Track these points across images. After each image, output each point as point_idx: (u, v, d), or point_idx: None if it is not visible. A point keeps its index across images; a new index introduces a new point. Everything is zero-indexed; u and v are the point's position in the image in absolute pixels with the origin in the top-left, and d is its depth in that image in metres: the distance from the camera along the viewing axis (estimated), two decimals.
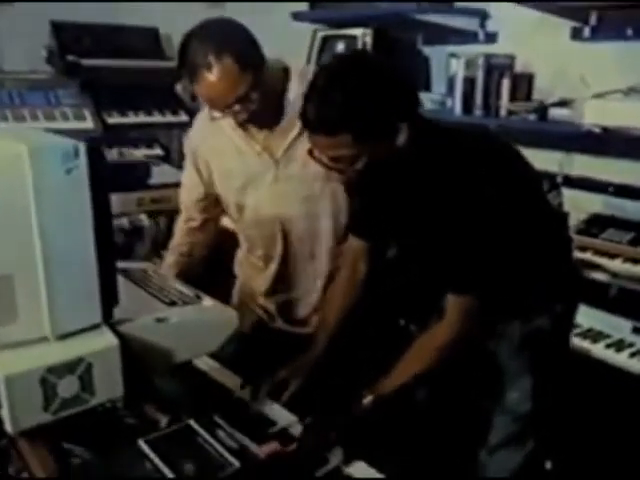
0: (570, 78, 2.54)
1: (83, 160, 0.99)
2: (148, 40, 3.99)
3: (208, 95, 1.54)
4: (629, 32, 2.39)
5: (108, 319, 1.10)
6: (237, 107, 1.54)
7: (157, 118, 3.83)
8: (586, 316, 2.06)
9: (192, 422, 1.25)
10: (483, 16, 2.91)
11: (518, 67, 2.64)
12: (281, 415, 1.41)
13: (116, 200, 2.07)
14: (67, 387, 1.02)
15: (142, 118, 3.80)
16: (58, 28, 3.72)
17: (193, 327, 1.25)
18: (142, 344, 1.16)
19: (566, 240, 1.62)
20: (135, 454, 1.10)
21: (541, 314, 1.53)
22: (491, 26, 2.90)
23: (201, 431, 1.22)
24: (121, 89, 3.79)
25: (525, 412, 1.56)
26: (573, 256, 1.64)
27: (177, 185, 2.00)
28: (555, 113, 2.33)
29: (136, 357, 1.15)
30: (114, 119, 3.68)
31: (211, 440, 1.19)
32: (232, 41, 1.51)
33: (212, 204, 1.91)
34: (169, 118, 3.86)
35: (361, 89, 1.21)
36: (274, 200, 1.71)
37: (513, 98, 2.49)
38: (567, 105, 2.29)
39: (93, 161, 1.00)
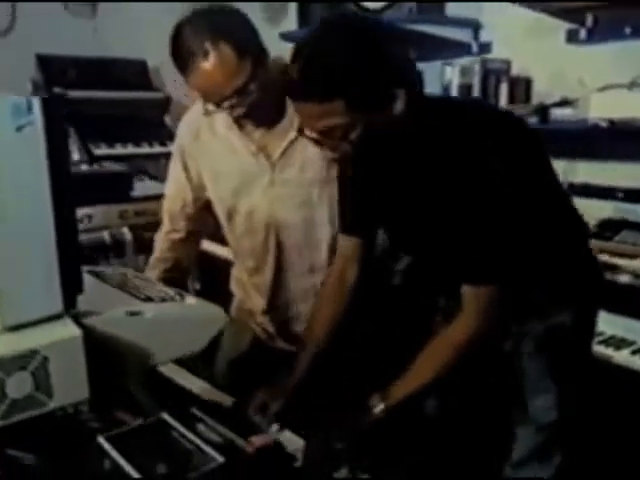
0: (568, 81, 2.47)
1: (38, 116, 0.86)
2: (136, 72, 3.92)
3: (203, 85, 1.41)
4: (627, 31, 2.32)
5: (70, 307, 0.94)
6: (234, 100, 1.41)
7: (145, 149, 3.72)
8: (608, 323, 1.90)
9: (166, 416, 1.06)
10: (476, 27, 2.85)
11: (515, 72, 2.55)
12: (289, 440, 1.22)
13: (96, 213, 1.93)
14: (17, 386, 0.86)
15: (130, 149, 3.69)
16: (44, 61, 3.65)
17: (172, 323, 1.09)
18: (112, 340, 1.01)
19: (583, 228, 1.47)
20: (92, 453, 0.92)
21: (561, 310, 1.38)
22: (485, 35, 2.84)
23: (176, 425, 1.03)
24: (108, 120, 3.69)
25: (550, 421, 1.39)
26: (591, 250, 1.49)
27: (162, 197, 1.86)
28: (557, 113, 2.23)
29: (105, 355, 0.99)
30: (101, 150, 3.56)
31: (189, 434, 1.01)
32: (230, 27, 1.39)
33: (199, 213, 1.77)
34: (157, 149, 3.75)
35: (352, 51, 1.09)
36: (268, 205, 1.58)
37: (512, 102, 2.39)
38: (569, 104, 2.19)
39: (50, 118, 0.87)
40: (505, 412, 1.45)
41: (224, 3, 1.49)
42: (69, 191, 0.91)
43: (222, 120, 1.57)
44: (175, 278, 1.77)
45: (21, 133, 0.85)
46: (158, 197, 1.92)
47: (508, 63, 2.52)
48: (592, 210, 2.41)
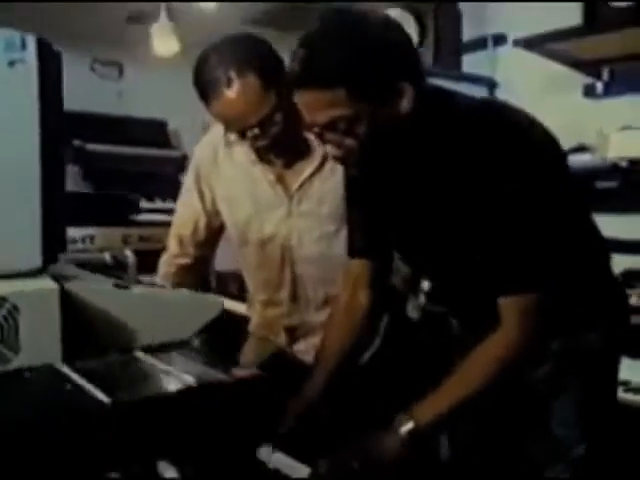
0: (586, 133, 2.44)
1: (32, 54, 0.82)
2: (155, 131, 4.01)
3: (226, 114, 1.36)
4: None
5: (51, 263, 0.87)
6: (257, 130, 1.36)
7: (158, 205, 3.73)
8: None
9: (140, 353, 0.95)
10: (491, 85, 2.87)
11: None
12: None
13: (97, 234, 1.87)
14: None
15: (144, 204, 3.71)
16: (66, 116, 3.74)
17: (161, 304, 1.00)
18: (94, 310, 0.92)
19: (603, 246, 1.39)
20: (53, 377, 0.80)
21: (588, 329, 1.26)
22: (499, 93, 2.86)
23: (150, 358, 0.93)
24: (126, 175, 3.74)
25: (580, 454, 1.24)
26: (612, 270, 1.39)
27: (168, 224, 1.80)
28: (575, 160, 2.17)
29: (86, 326, 0.91)
30: None
31: (162, 365, 0.90)
32: (256, 56, 1.35)
33: (210, 240, 1.70)
34: (170, 205, 3.76)
35: (355, 38, 1.05)
36: (285, 237, 1.51)
37: None
38: (586, 150, 2.15)
39: (45, 57, 0.83)
40: (530, 446, 1.31)
41: (250, 33, 1.48)
42: (59, 138, 0.86)
43: (242, 151, 1.52)
44: None
45: (13, 69, 0.81)
46: (166, 224, 1.87)
47: None
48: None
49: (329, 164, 1.45)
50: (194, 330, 1.04)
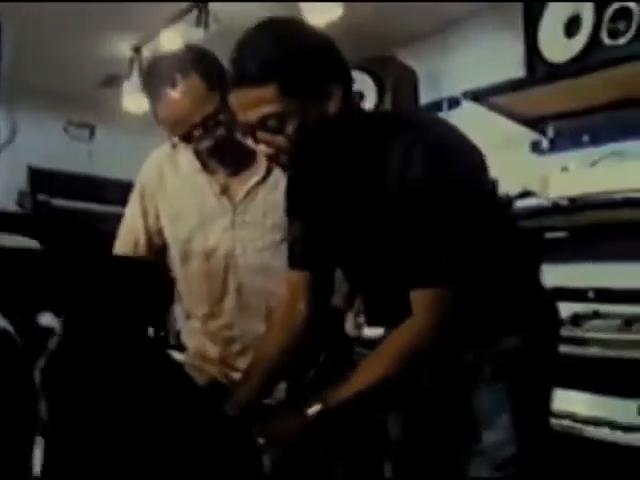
0: (533, 185, 2.54)
1: None
2: (125, 190, 4.04)
3: (171, 114, 1.41)
4: (585, 139, 2.44)
5: None
6: (200, 130, 1.41)
7: None
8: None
9: None
10: None
11: None
12: None
13: None
14: None
15: None
16: (34, 172, 3.79)
17: None
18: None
19: (530, 257, 1.42)
20: None
21: (510, 334, 1.27)
22: None
23: None
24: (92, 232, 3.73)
25: (506, 457, 1.23)
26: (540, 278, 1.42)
27: None
28: (520, 204, 2.25)
29: None
30: None
31: None
32: (199, 60, 1.43)
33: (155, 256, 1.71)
34: None
35: (285, 37, 1.12)
36: (228, 248, 1.52)
37: None
38: (531, 195, 2.23)
39: None
40: (457, 451, 1.29)
41: (195, 45, 1.57)
42: None
43: (187, 160, 1.56)
44: None
45: None
46: None
47: None
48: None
49: (274, 175, 1.48)
50: None
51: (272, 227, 1.50)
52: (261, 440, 1.05)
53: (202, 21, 2.72)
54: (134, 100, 3.09)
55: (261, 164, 1.49)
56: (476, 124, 2.75)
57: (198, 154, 1.54)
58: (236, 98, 1.12)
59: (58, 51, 3.56)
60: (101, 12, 3.14)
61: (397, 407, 1.39)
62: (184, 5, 2.80)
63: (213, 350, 1.61)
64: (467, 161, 1.19)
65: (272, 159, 1.20)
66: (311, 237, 1.33)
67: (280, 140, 1.13)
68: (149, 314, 0.94)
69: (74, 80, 3.74)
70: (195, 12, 2.77)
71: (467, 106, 2.87)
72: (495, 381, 1.25)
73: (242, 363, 1.53)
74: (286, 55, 1.09)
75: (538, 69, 2.21)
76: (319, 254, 1.34)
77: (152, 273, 0.93)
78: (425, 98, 3.09)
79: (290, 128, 1.11)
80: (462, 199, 1.13)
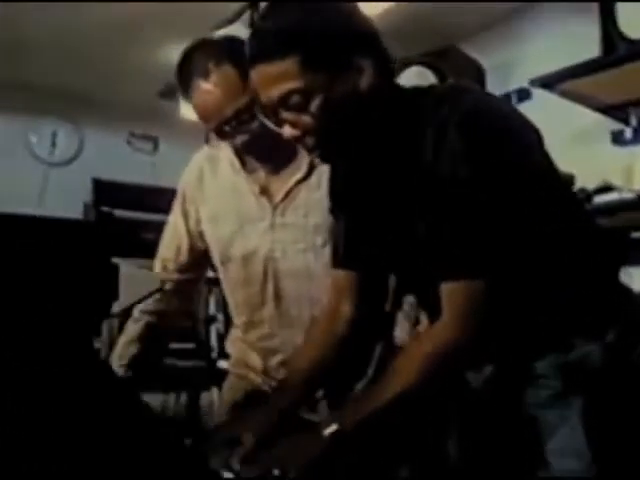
0: (615, 180, 2.29)
1: None
2: None
3: (203, 105, 1.32)
4: None
5: None
6: (235, 123, 1.32)
7: None
8: None
9: None
10: None
11: None
12: None
13: None
14: None
15: None
16: (98, 184, 3.84)
17: None
18: None
19: (609, 255, 1.21)
20: None
21: (586, 340, 1.08)
22: None
23: None
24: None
25: None
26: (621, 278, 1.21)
27: None
28: (600, 200, 2.02)
29: None
30: None
31: None
32: (233, 50, 1.33)
33: (194, 264, 1.61)
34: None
35: (308, 9, 1.02)
36: (267, 251, 1.41)
37: None
38: (612, 190, 1.99)
39: None
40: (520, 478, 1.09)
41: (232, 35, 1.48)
42: None
43: (227, 160, 1.48)
44: (159, 335, 1.58)
45: None
46: None
47: None
48: None
49: (317, 173, 1.39)
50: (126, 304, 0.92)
51: (315, 228, 1.39)
52: (274, 465, 0.93)
53: (255, 22, 2.66)
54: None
55: (303, 161, 1.38)
56: (549, 116, 2.56)
57: (237, 152, 1.45)
58: (256, 75, 1.03)
59: (119, 64, 3.60)
60: (158, 22, 3.16)
61: (453, 425, 1.22)
62: (237, 7, 2.75)
63: (255, 360, 1.50)
64: (509, 127, 1.02)
65: (298, 141, 1.08)
66: (353, 233, 1.21)
67: (306, 119, 1.02)
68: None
69: (135, 92, 3.77)
70: (247, 14, 2.73)
71: (539, 98, 2.67)
72: (565, 396, 1.06)
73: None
74: (307, 26, 1.00)
75: (618, 49, 1.97)
76: (363, 251, 1.21)
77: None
78: (493, 91, 2.88)
79: (315, 105, 1.00)
80: (503, 175, 0.97)
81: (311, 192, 1.39)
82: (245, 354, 1.54)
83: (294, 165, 1.41)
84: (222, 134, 1.35)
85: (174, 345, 2.76)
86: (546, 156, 1.11)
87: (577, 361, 1.05)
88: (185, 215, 1.55)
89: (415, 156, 1.02)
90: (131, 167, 3.96)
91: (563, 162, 2.59)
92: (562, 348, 1.06)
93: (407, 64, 2.88)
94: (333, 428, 0.96)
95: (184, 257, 1.56)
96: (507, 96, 2.82)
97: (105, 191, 3.78)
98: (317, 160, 1.28)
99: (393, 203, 1.11)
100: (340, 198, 1.23)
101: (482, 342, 1.02)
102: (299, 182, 1.40)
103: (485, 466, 1.18)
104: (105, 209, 3.63)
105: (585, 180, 2.41)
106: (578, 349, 1.05)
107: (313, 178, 1.40)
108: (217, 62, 1.31)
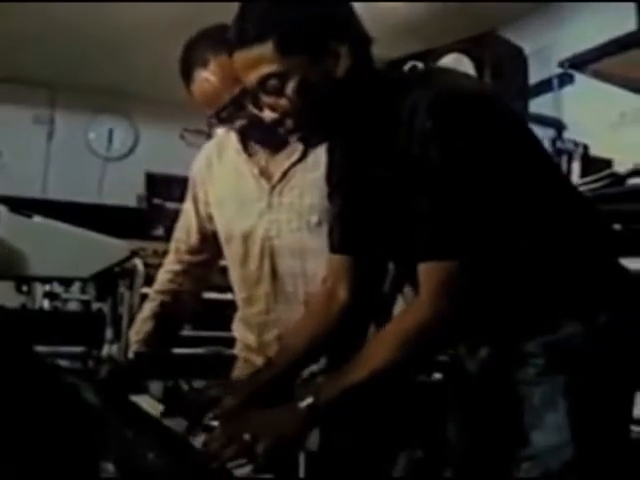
0: None
1: None
2: None
3: (203, 92, 1.40)
4: None
5: None
6: (233, 109, 1.38)
7: None
8: None
9: None
10: (559, 126, 2.70)
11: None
12: None
13: None
14: None
15: None
16: (150, 178, 3.98)
17: (59, 235, 0.96)
18: None
19: (604, 235, 1.17)
20: None
21: (571, 320, 1.05)
22: (569, 135, 2.67)
23: None
24: None
25: (561, 464, 1.00)
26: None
27: None
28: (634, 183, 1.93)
29: None
30: None
31: None
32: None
33: (204, 246, 1.67)
34: None
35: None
36: (264, 230, 1.48)
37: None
38: None
39: None
40: (506, 455, 1.08)
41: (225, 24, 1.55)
42: None
43: (232, 145, 1.55)
44: (174, 314, 1.65)
45: None
46: None
47: (585, 147, 2.31)
48: None
49: (314, 155, 1.43)
50: (92, 271, 0.97)
51: (309, 208, 1.43)
52: (248, 435, 0.94)
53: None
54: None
55: (298, 145, 1.42)
56: (591, 102, 2.49)
57: (240, 137, 1.51)
58: (237, 61, 1.07)
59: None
60: (205, 24, 3.24)
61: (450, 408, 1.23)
62: None
63: (252, 338, 1.55)
64: (480, 108, 1.02)
65: (279, 124, 1.11)
66: (348, 217, 1.23)
67: (283, 102, 1.05)
68: None
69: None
70: None
71: (581, 83, 2.58)
72: (549, 374, 1.04)
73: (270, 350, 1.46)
74: (283, 10, 1.04)
75: None
76: (358, 236, 1.22)
77: None
78: (535, 77, 2.81)
79: (291, 87, 1.03)
80: (474, 155, 0.97)
81: (306, 173, 1.44)
82: (244, 335, 1.59)
83: (291, 147, 1.46)
84: (222, 119, 1.42)
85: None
86: (527, 137, 1.10)
87: (562, 341, 1.04)
88: (195, 199, 1.63)
89: (391, 139, 1.04)
90: (185, 161, 4.07)
91: (605, 147, 2.53)
92: (550, 328, 1.05)
93: (446, 51, 2.86)
94: (308, 401, 0.97)
95: (193, 238, 1.63)
96: (548, 81, 2.74)
97: (157, 184, 3.92)
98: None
99: (377, 186, 1.12)
100: (335, 183, 1.26)
101: (472, 323, 1.03)
102: (295, 163, 1.45)
103: (482, 446, 1.18)
104: (157, 201, 3.76)
105: (626, 165, 2.32)
106: (564, 329, 1.04)
107: (309, 159, 1.45)
108: (215, 52, 1.38)
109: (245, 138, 1.50)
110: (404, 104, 1.01)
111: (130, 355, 1.55)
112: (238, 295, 1.58)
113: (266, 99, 1.06)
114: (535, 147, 1.12)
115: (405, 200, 1.04)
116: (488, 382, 1.14)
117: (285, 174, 1.46)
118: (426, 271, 1.00)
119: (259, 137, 1.46)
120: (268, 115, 1.08)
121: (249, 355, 1.57)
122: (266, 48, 1.01)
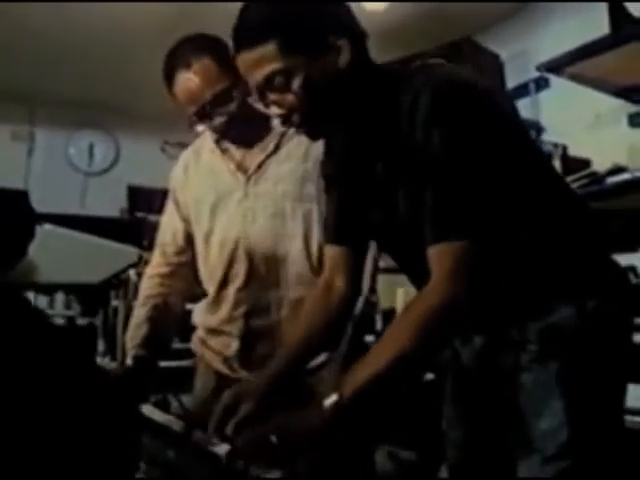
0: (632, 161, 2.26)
1: None
2: None
3: (183, 91, 1.46)
4: None
5: None
6: (213, 107, 1.45)
7: None
8: None
9: None
10: (537, 129, 2.77)
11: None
12: None
13: None
14: None
15: None
16: (132, 191, 3.98)
17: (73, 243, 0.97)
18: None
19: (590, 222, 1.21)
20: None
21: (563, 306, 1.09)
22: (547, 137, 2.74)
23: None
24: None
25: (558, 447, 1.04)
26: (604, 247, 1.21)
27: None
28: (613, 181, 2.00)
29: None
30: None
31: None
32: (212, 44, 1.51)
33: (190, 246, 1.71)
34: None
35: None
36: (241, 219, 1.55)
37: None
38: (623, 171, 1.97)
39: None
40: (503, 442, 1.11)
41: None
42: None
43: (208, 148, 1.62)
44: (168, 317, 1.66)
45: None
46: None
47: (563, 147, 2.38)
48: None
49: (286, 148, 1.53)
50: (103, 276, 0.99)
51: (283, 195, 1.52)
52: (274, 439, 0.95)
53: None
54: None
55: (271, 140, 1.54)
56: (567, 104, 2.57)
57: (215, 135, 1.57)
58: (241, 62, 1.11)
59: (151, 75, 3.71)
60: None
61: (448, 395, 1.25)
62: None
63: (214, 319, 1.60)
64: (480, 94, 1.06)
65: (285, 120, 1.14)
66: (345, 210, 1.26)
67: (289, 98, 1.09)
68: None
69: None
70: None
71: (557, 86, 2.65)
72: (543, 360, 1.07)
73: (237, 327, 1.55)
74: (283, 12, 1.07)
75: (625, 28, 1.96)
76: (354, 227, 1.25)
77: None
78: (513, 82, 2.88)
79: (296, 83, 1.07)
80: (476, 138, 1.00)
81: (280, 164, 1.52)
82: (205, 319, 1.64)
83: (264, 142, 1.56)
84: (202, 116, 1.48)
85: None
86: (522, 129, 1.15)
87: (554, 325, 1.07)
88: (177, 203, 1.68)
89: (394, 127, 1.07)
90: (166, 174, 4.08)
91: (583, 147, 2.59)
92: (543, 313, 1.08)
93: (422, 57, 2.92)
94: (333, 399, 0.97)
95: (180, 239, 1.68)
96: (525, 85, 2.81)
97: (139, 197, 3.92)
98: (285, 138, 1.48)
99: (377, 177, 1.15)
100: (332, 176, 1.28)
101: (472, 307, 1.02)
102: (269, 156, 1.54)
103: (478, 434, 1.21)
104: (140, 214, 3.76)
105: (604, 164, 2.39)
106: (556, 313, 1.07)
107: (282, 151, 1.55)
108: (197, 55, 1.47)
109: (222, 136, 1.56)
110: (406, 93, 1.04)
111: (129, 361, 1.56)
112: (211, 282, 1.61)
113: (272, 96, 1.09)
114: (529, 139, 1.17)
115: (408, 188, 1.07)
116: (483, 370, 1.17)
117: (260, 166, 1.54)
118: (438, 253, 1.00)
119: (236, 135, 1.54)
120: (275, 111, 1.11)
121: (207, 337, 1.63)
122: (269, 49, 1.05)
